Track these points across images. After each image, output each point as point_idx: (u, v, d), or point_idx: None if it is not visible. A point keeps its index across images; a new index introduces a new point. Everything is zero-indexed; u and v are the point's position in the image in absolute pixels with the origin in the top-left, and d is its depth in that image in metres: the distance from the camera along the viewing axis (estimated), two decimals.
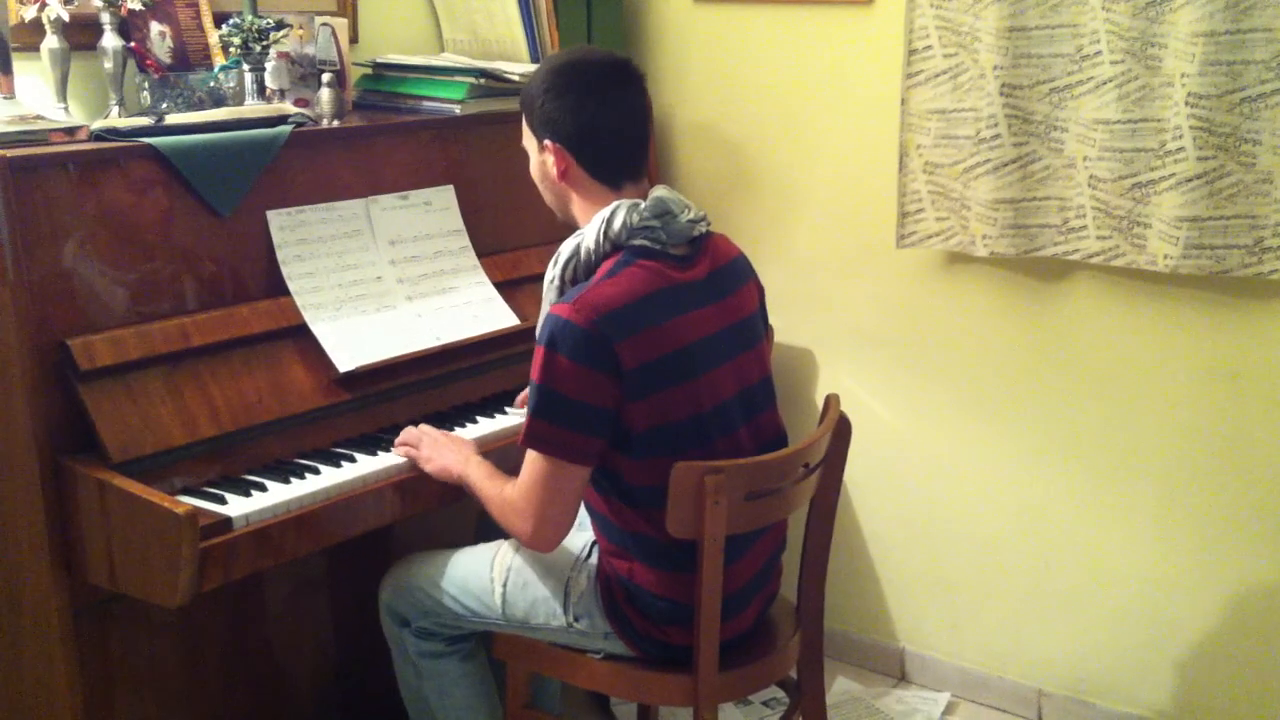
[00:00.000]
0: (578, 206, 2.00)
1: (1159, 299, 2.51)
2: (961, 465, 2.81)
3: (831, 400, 2.07)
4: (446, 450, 2.06)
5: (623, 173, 1.97)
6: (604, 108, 1.93)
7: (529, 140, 2.03)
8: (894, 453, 2.89)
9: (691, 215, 1.97)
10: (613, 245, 1.91)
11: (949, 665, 2.92)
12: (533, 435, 1.86)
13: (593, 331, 1.80)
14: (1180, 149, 2.33)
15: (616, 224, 1.89)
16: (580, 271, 1.93)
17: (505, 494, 1.94)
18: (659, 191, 1.96)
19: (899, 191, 2.67)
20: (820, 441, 1.99)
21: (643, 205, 1.92)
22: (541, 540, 1.93)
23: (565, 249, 1.94)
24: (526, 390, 2.02)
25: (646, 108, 2.02)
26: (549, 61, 2.01)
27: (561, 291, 1.94)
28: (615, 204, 1.92)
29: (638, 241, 1.90)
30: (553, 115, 1.94)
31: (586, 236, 1.92)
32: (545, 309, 1.93)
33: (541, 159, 2.00)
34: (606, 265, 1.90)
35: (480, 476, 2.00)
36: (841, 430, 2.06)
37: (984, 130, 2.52)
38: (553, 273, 1.96)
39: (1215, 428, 2.49)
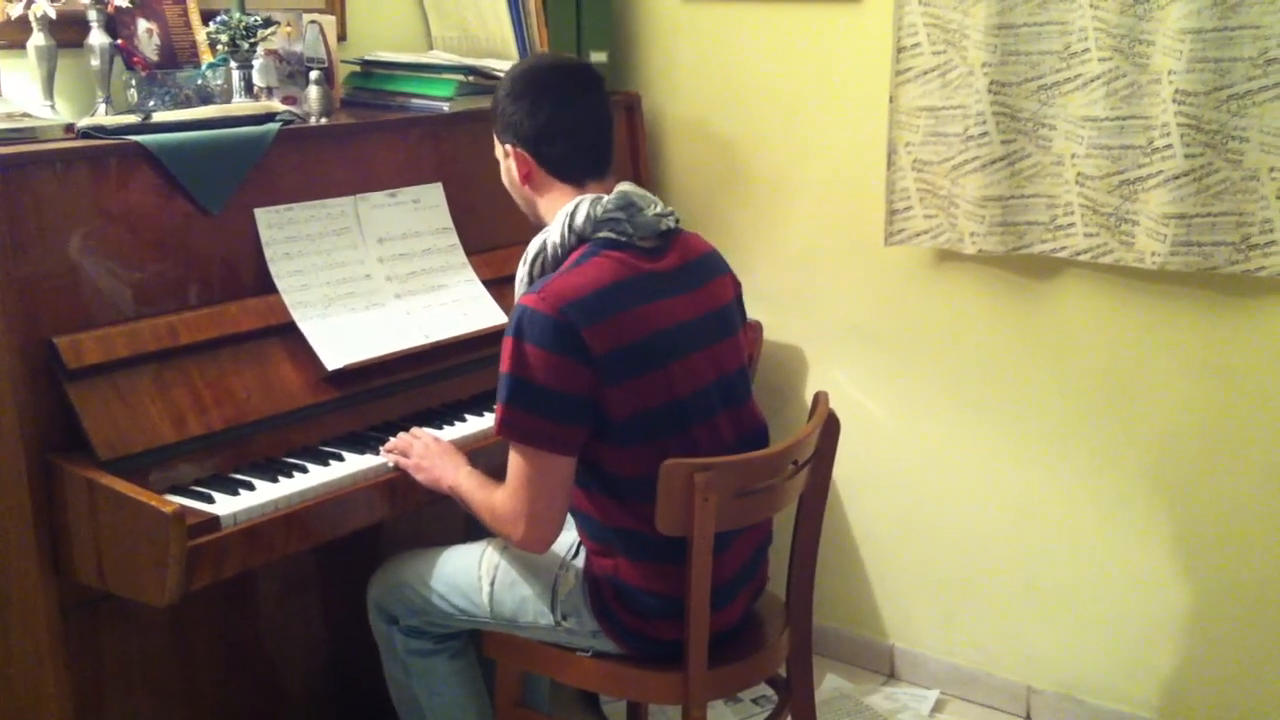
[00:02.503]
0: (544, 207, 2.02)
1: (1147, 296, 2.51)
2: (951, 462, 2.82)
3: (820, 397, 2.08)
4: (438, 460, 2.05)
5: (584, 172, 1.99)
6: (559, 109, 1.96)
7: (497, 147, 2.06)
8: (884, 449, 2.89)
9: (658, 210, 1.99)
10: (578, 238, 1.93)
11: (938, 662, 2.93)
12: (508, 424, 1.86)
13: (559, 319, 1.81)
14: (1168, 146, 2.33)
15: (580, 217, 1.92)
16: (548, 266, 1.95)
17: (494, 500, 1.94)
18: (623, 186, 1.99)
19: (887, 189, 2.67)
20: (809, 438, 2.00)
21: (606, 199, 1.94)
22: (533, 540, 1.92)
23: (533, 246, 1.97)
24: None
25: (606, 109, 2.03)
26: (512, 69, 2.05)
27: None
28: (578, 199, 1.94)
29: (603, 234, 1.92)
30: (513, 119, 1.98)
31: (551, 232, 1.95)
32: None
33: (507, 165, 2.04)
34: (573, 257, 1.92)
35: (472, 487, 1.99)
36: (830, 427, 2.07)
37: (972, 128, 2.52)
38: (522, 271, 1.99)
39: (1204, 424, 2.49)
